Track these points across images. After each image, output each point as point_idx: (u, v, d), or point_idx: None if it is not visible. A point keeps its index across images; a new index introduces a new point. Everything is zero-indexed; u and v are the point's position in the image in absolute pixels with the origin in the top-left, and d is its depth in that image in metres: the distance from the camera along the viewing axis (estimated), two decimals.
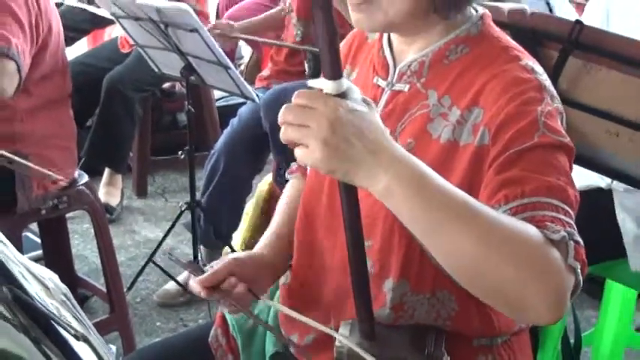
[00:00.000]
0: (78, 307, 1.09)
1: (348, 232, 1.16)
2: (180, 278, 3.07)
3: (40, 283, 1.03)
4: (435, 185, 1.09)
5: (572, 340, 2.23)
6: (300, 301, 1.49)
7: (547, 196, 1.16)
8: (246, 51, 4.62)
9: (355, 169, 1.07)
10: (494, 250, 1.09)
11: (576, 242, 1.13)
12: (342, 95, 1.06)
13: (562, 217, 1.15)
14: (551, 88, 1.28)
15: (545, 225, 1.12)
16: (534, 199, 1.15)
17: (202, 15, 3.77)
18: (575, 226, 1.16)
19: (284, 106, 1.07)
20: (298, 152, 1.07)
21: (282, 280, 1.60)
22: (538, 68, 1.30)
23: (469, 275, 1.14)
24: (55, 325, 1.01)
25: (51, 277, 1.07)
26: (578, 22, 1.71)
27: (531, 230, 1.11)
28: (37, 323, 1.02)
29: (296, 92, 1.07)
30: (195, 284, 1.43)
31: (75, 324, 1.03)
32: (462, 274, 1.14)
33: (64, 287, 1.07)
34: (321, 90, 1.06)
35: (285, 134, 1.07)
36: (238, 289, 1.42)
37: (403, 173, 1.07)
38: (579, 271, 1.12)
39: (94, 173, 3.55)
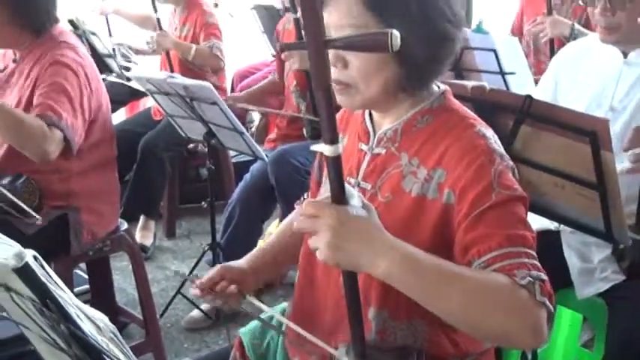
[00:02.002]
0: (124, 343, 1.08)
1: (346, 280, 1.17)
2: (204, 307, 3.06)
3: (93, 323, 1.03)
4: (424, 263, 1.14)
5: (529, 356, 2.21)
6: (302, 326, 1.48)
7: (510, 245, 1.19)
8: (256, 116, 4.64)
9: (356, 261, 1.12)
10: (478, 305, 1.14)
11: (541, 280, 1.16)
12: (343, 201, 1.10)
13: (525, 260, 1.18)
14: (500, 149, 1.29)
15: (513, 273, 1.15)
16: (501, 251, 1.18)
17: (221, 90, 3.80)
18: (538, 264, 1.19)
19: (300, 215, 1.14)
20: (315, 251, 1.13)
21: (287, 310, 1.59)
22: (489, 133, 1.31)
23: (464, 325, 1.19)
24: (105, 357, 1.00)
25: (102, 319, 1.06)
26: (528, 96, 1.72)
27: (503, 280, 1.15)
28: (90, 355, 1.02)
29: (306, 202, 1.14)
30: (194, 289, 1.50)
31: (122, 357, 1.03)
32: (457, 325, 1.20)
33: (112, 327, 1.06)
34: (327, 197, 1.12)
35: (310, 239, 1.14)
36: (230, 289, 1.48)
37: (397, 259, 1.12)
38: (548, 302, 1.15)
39: (132, 219, 3.56)
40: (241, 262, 1.59)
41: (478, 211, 1.21)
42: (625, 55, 2.01)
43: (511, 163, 1.29)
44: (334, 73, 1.30)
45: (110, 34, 4.42)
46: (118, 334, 1.06)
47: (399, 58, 1.27)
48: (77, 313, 1.01)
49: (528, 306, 1.14)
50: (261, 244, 3.28)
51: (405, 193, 1.31)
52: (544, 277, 1.17)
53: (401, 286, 1.15)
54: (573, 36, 3.11)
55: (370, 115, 1.43)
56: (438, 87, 1.39)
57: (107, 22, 4.44)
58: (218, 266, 1.54)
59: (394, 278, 1.14)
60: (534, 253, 1.20)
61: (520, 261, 1.17)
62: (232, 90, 4.49)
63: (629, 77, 2.00)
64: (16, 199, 2.13)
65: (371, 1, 1.24)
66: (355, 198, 1.13)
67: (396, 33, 0.98)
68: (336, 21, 1.27)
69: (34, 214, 2.12)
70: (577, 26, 3.12)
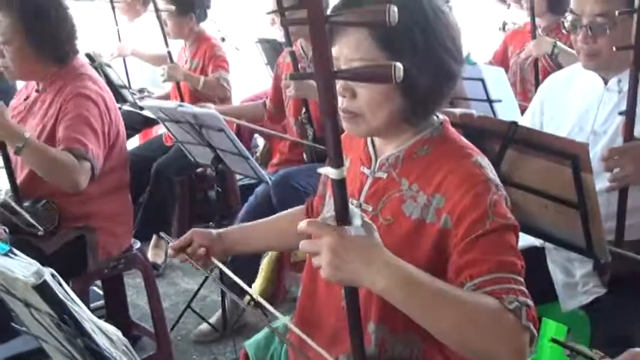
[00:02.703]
0: (136, 355, 1.08)
1: (347, 294, 1.18)
2: (212, 321, 3.04)
3: (107, 337, 1.03)
4: (420, 283, 1.14)
5: None
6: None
7: (501, 271, 1.19)
8: (260, 142, 4.64)
9: (356, 278, 1.12)
10: (468, 326, 1.15)
11: (527, 306, 1.17)
12: (347, 221, 1.11)
13: (514, 286, 1.18)
14: (496, 178, 1.29)
15: (502, 297, 1.16)
16: (492, 275, 1.18)
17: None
18: (525, 290, 1.20)
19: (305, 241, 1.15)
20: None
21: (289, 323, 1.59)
22: (485, 163, 1.30)
23: (453, 343, 1.19)
24: None
25: (115, 332, 1.06)
26: (513, 122, 1.73)
27: (492, 304, 1.15)
28: None
29: (309, 222, 1.15)
30: (170, 250, 1.65)
31: None
32: (447, 342, 1.19)
33: (125, 340, 1.06)
34: (331, 216, 1.13)
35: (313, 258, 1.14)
36: (199, 251, 1.62)
37: (395, 276, 1.12)
38: (532, 327, 1.16)
39: (145, 239, 3.56)
40: (211, 230, 1.68)
41: (473, 236, 1.21)
42: (605, 82, 2.02)
43: (504, 192, 1.29)
44: (343, 102, 1.30)
45: (127, 74, 4.46)
46: (130, 347, 1.06)
47: (404, 91, 1.27)
48: (92, 327, 1.01)
49: (514, 330, 1.15)
50: (264, 261, 3.27)
51: (405, 216, 1.31)
52: (530, 303, 1.18)
53: (397, 303, 1.14)
54: (555, 53, 3.13)
55: (372, 140, 1.43)
56: (438, 117, 1.39)
57: (124, 63, 4.48)
58: (191, 230, 1.65)
59: (391, 295, 1.14)
60: (522, 280, 1.21)
61: (509, 287, 1.17)
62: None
63: (609, 103, 2.00)
64: (28, 217, 2.13)
65: (380, 37, 1.24)
66: (357, 217, 1.13)
67: (399, 65, 0.97)
68: (346, 55, 1.27)
69: (38, 226, 2.12)
70: (559, 44, 3.13)
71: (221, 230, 1.70)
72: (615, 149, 1.82)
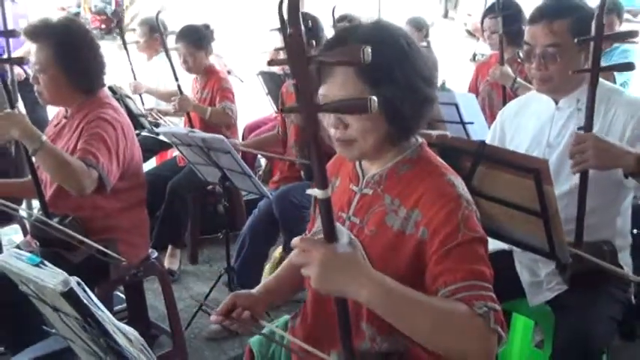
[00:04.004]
0: (152, 353, 1.08)
1: (337, 301, 1.18)
2: None
3: (126, 337, 1.02)
4: (398, 293, 1.15)
5: None
6: (303, 337, 1.47)
7: (472, 279, 1.19)
8: (262, 162, 4.65)
9: (341, 290, 1.13)
10: (441, 329, 1.15)
11: (495, 311, 1.17)
12: (333, 238, 1.10)
13: (483, 292, 1.18)
14: (467, 195, 1.29)
15: (472, 303, 1.16)
16: (463, 283, 1.19)
17: None
18: (494, 296, 1.20)
19: (297, 251, 1.14)
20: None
21: (290, 323, 1.58)
22: (457, 182, 1.31)
23: (428, 344, 1.19)
24: None
25: (133, 333, 1.05)
26: (482, 142, 1.73)
27: (463, 309, 1.15)
28: None
29: (301, 239, 1.15)
30: (214, 316, 1.47)
31: None
32: (423, 343, 1.19)
33: (142, 340, 1.06)
34: (320, 237, 1.12)
35: (302, 270, 1.14)
36: (244, 315, 1.46)
37: (376, 289, 1.13)
38: (500, 329, 1.16)
39: (161, 248, 3.55)
40: (251, 291, 1.54)
41: (447, 247, 1.22)
42: (556, 102, 2.04)
43: (475, 207, 1.29)
44: (336, 133, 1.30)
45: (142, 103, 4.49)
46: (146, 345, 1.06)
47: (389, 118, 1.27)
48: (113, 329, 1.00)
49: (483, 332, 1.15)
50: (266, 267, 3.27)
51: (387, 227, 1.31)
52: (498, 307, 1.18)
53: (379, 311, 1.15)
54: (515, 87, 3.15)
55: (360, 161, 1.43)
56: (417, 139, 1.39)
57: (141, 98, 4.52)
58: (230, 295, 1.50)
59: (373, 304, 1.14)
60: (491, 287, 1.21)
61: (479, 293, 1.18)
62: (243, 139, 4.49)
63: (560, 120, 2.02)
64: (69, 231, 2.12)
65: (364, 74, 1.24)
66: (344, 236, 1.13)
67: (374, 98, 0.98)
68: (335, 93, 1.25)
69: (73, 236, 2.10)
70: (519, 79, 3.15)
71: (259, 289, 1.56)
72: (580, 136, 1.80)
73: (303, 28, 0.97)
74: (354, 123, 1.28)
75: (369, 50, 0.95)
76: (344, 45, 1.21)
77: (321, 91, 1.28)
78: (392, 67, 1.24)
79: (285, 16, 0.98)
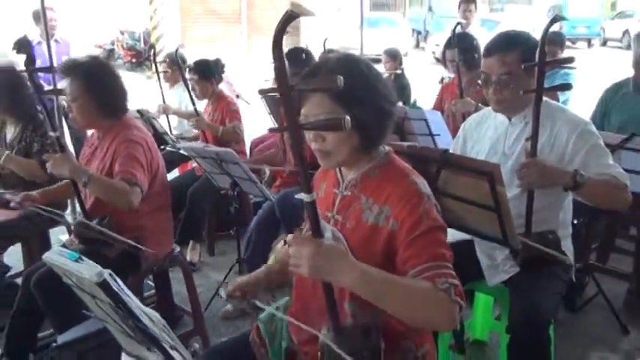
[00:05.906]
0: (171, 331, 1.08)
1: (324, 285, 1.19)
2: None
3: (149, 318, 1.02)
4: (375, 277, 1.16)
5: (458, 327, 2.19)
6: (299, 315, 1.46)
7: (434, 260, 1.20)
8: (267, 170, 4.63)
9: (328, 277, 1.15)
10: (411, 304, 1.16)
11: (455, 285, 1.18)
12: (319, 234, 1.12)
13: (444, 271, 1.19)
14: (428, 191, 1.30)
15: (435, 280, 1.17)
16: (428, 264, 1.20)
17: (242, 153, 3.80)
18: (453, 273, 1.20)
19: (291, 248, 1.15)
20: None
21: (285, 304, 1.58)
22: (419, 180, 1.32)
23: (402, 316, 1.20)
24: (158, 340, 0.99)
25: (155, 315, 1.05)
26: (445, 150, 1.74)
27: (428, 286, 1.17)
28: (148, 339, 1.01)
29: (293, 236, 1.16)
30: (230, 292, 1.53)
31: (169, 340, 1.02)
32: (398, 316, 1.20)
33: (163, 321, 1.06)
34: (308, 233, 1.14)
35: (291, 262, 1.16)
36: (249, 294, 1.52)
37: (356, 275, 1.14)
38: (460, 300, 1.17)
39: (184, 243, 3.54)
40: (252, 274, 1.59)
41: (412, 236, 1.22)
42: (510, 119, 2.05)
43: (435, 201, 1.29)
44: (315, 145, 1.32)
45: (169, 124, 4.49)
46: (167, 325, 1.06)
47: (359, 132, 1.29)
48: (139, 312, 1.00)
49: (446, 303, 1.16)
50: (270, 257, 3.25)
51: (364, 222, 1.32)
52: (457, 282, 1.19)
53: (360, 292, 1.16)
54: (478, 109, 3.15)
55: (340, 169, 1.44)
56: (384, 147, 1.40)
57: (167, 118, 4.51)
58: (238, 279, 1.56)
59: (355, 288, 1.15)
60: (451, 266, 1.22)
61: (441, 272, 1.19)
62: (251, 151, 4.50)
63: (514, 133, 2.03)
64: (108, 232, 2.12)
65: (335, 96, 1.25)
66: (328, 231, 1.14)
67: (347, 117, 1.01)
68: (313, 111, 1.28)
69: (112, 236, 2.09)
70: (480, 105, 3.16)
71: (259, 273, 1.64)
72: (525, 163, 1.83)
73: (286, 62, 1.00)
74: (329, 137, 1.30)
75: (342, 78, 0.98)
76: (318, 74, 1.24)
77: (303, 111, 1.30)
78: (357, 90, 1.25)
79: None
